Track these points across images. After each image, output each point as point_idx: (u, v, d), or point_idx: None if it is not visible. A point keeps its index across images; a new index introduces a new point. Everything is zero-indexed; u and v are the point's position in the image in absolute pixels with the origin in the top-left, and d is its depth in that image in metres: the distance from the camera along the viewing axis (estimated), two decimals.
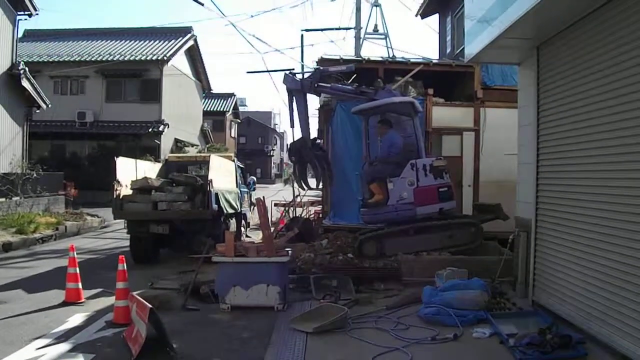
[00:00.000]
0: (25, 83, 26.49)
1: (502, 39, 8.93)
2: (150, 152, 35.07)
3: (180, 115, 43.30)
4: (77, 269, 10.95)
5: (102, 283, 12.05)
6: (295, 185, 17.61)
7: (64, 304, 10.66)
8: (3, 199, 22.67)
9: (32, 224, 20.36)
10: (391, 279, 11.50)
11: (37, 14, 27.26)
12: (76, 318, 9.73)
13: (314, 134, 16.04)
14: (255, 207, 12.48)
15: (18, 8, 26.47)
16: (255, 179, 22.55)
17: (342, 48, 57.47)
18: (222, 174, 17.12)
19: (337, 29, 33.45)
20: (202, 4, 17.27)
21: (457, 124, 16.03)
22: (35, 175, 24.94)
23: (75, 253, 11.19)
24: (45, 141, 36.82)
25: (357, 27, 29.43)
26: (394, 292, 10.75)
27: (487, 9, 9.27)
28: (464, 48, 11.90)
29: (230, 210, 16.85)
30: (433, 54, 28.24)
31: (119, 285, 9.48)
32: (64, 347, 8.21)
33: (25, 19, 27.59)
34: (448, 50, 24.20)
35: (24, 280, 13.09)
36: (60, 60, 40.47)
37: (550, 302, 8.67)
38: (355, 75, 15.35)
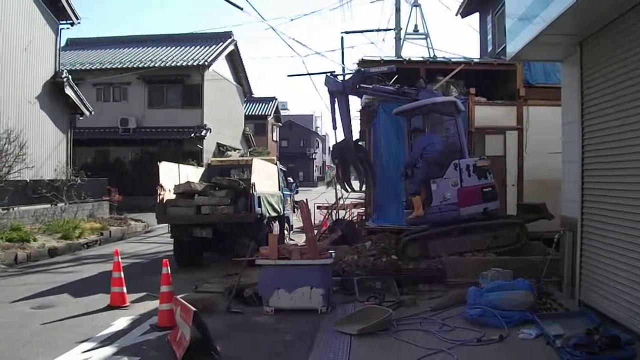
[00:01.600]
0: (68, 91, 26.80)
1: (544, 36, 8.82)
2: (192, 156, 35.21)
3: (222, 119, 43.45)
4: (122, 273, 11.05)
5: (147, 287, 12.13)
6: (338, 187, 17.59)
7: (109, 307, 10.77)
8: (48, 205, 22.94)
9: (76, 230, 20.59)
10: (435, 280, 11.39)
11: (79, 23, 27.55)
12: (121, 322, 9.81)
13: (356, 135, 16.02)
14: (298, 210, 12.48)
15: (60, 17, 26.78)
16: (291, 180, 22.54)
17: (382, 49, 57.93)
18: (265, 177, 17.13)
19: (377, 30, 33.30)
20: (242, 9, 17.33)
21: (500, 123, 15.90)
22: (79, 181, 25.21)
23: (119, 257, 11.30)
24: (89, 148, 37.28)
25: (397, 28, 29.30)
26: (439, 294, 10.68)
27: (528, 6, 9.17)
28: (505, 46, 11.80)
29: (273, 214, 16.86)
30: (474, 53, 28.03)
31: (163, 289, 9.54)
32: (109, 350, 8.29)
33: (68, 28, 27.89)
34: (489, 49, 24.01)
35: (70, 284, 13.24)
36: (103, 67, 40.88)
37: (597, 302, 8.54)
38: (396, 76, 15.29)
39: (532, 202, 13.94)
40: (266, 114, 69.15)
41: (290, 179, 22.32)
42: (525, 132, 15.68)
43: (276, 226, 17.50)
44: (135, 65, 40.30)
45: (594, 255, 8.82)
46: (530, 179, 15.50)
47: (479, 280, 10.08)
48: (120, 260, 11.26)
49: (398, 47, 29.12)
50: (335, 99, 14.36)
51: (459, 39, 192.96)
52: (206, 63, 39.94)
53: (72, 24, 27.54)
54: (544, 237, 12.69)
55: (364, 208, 20.21)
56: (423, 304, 10.04)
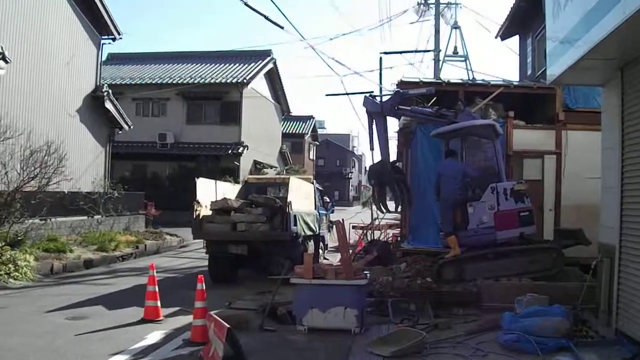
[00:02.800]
0: (108, 105, 27.17)
1: (585, 61, 8.75)
2: (229, 173, 35.41)
3: (259, 137, 43.67)
4: (157, 287, 11.11)
5: (180, 301, 12.20)
6: (374, 208, 17.57)
7: (143, 321, 10.83)
8: (85, 217, 23.21)
9: (112, 242, 20.82)
10: (470, 304, 11.30)
11: (120, 38, 27.99)
12: (154, 335, 9.86)
13: (393, 156, 15.99)
14: (334, 229, 12.49)
15: (102, 32, 27.21)
16: (327, 200, 22.68)
17: (421, 70, 57.49)
18: (301, 196, 17.17)
19: (415, 51, 33.31)
20: (282, 27, 17.45)
21: (538, 147, 15.77)
22: (116, 194, 25.53)
23: (154, 271, 11.37)
24: (127, 161, 37.60)
25: (436, 50, 29.28)
26: (473, 318, 10.59)
27: (569, 30, 9.12)
28: (545, 70, 11.75)
29: (309, 232, 16.89)
30: (513, 76, 27.82)
31: (198, 305, 9.57)
32: None
33: (109, 43, 28.36)
34: (529, 72, 23.91)
35: (104, 296, 13.36)
36: (142, 82, 41.47)
37: (634, 331, 8.41)
38: (435, 98, 15.27)
39: (570, 228, 13.80)
40: (303, 132, 69.41)
41: (326, 198, 22.36)
42: (564, 157, 15.54)
43: (311, 245, 17.55)
44: (174, 81, 40.81)
45: (632, 282, 8.70)
46: (568, 204, 15.33)
47: (514, 305, 10.00)
48: (155, 274, 11.35)
49: (437, 69, 29.08)
50: (373, 120, 14.38)
51: (498, 62, 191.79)
52: (245, 80, 40.22)
53: (113, 39, 27.99)
54: (581, 263, 12.56)
55: (399, 229, 20.14)
56: (457, 327, 9.95)
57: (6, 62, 19.38)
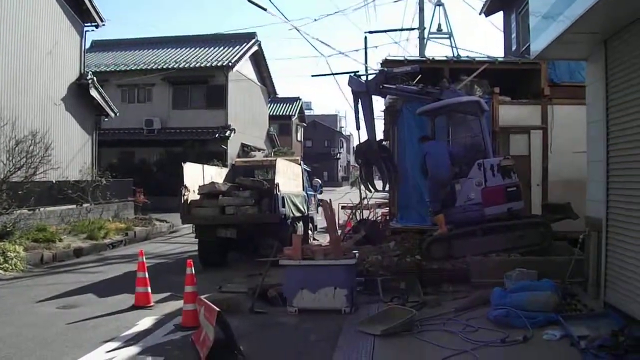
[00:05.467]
0: (93, 92, 26.97)
1: (568, 35, 8.75)
2: (217, 157, 35.26)
3: (246, 120, 43.56)
4: (146, 274, 11.12)
5: (171, 287, 12.21)
6: (362, 187, 17.57)
7: (134, 307, 10.85)
8: (74, 206, 23.14)
9: (102, 230, 20.76)
10: (459, 280, 11.33)
11: (103, 25, 27.67)
12: (145, 322, 9.87)
13: (379, 135, 16.00)
14: (322, 210, 12.47)
15: (85, 20, 26.95)
16: (319, 181, 22.74)
17: (406, 49, 57.27)
18: (289, 177, 17.17)
19: (400, 30, 33.36)
20: (265, 9, 17.35)
21: (524, 123, 15.78)
22: (104, 182, 25.47)
23: (144, 258, 11.37)
24: (114, 149, 37.47)
25: (421, 27, 29.19)
26: (463, 294, 10.62)
27: (551, 4, 9.12)
28: (529, 45, 11.72)
29: (297, 214, 16.89)
30: (498, 52, 27.82)
31: (188, 289, 9.60)
32: (134, 350, 8.35)
33: (92, 30, 28.05)
34: (513, 48, 23.89)
35: (95, 284, 13.35)
36: (127, 69, 41.16)
37: (623, 303, 8.45)
38: (420, 76, 15.25)
39: (557, 202, 13.84)
40: (290, 114, 69.46)
41: (317, 179, 22.34)
42: (550, 132, 15.56)
43: (300, 226, 17.55)
44: (159, 67, 40.62)
45: (619, 255, 8.73)
46: (556, 179, 15.36)
47: (503, 280, 10.03)
48: (144, 260, 11.34)
49: (422, 47, 29.03)
50: (359, 99, 14.35)
51: (482, 38, 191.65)
52: (230, 64, 40.02)
53: (96, 26, 27.70)
54: (569, 237, 12.58)
55: (388, 208, 20.16)
56: (447, 304, 10.00)
57: None
